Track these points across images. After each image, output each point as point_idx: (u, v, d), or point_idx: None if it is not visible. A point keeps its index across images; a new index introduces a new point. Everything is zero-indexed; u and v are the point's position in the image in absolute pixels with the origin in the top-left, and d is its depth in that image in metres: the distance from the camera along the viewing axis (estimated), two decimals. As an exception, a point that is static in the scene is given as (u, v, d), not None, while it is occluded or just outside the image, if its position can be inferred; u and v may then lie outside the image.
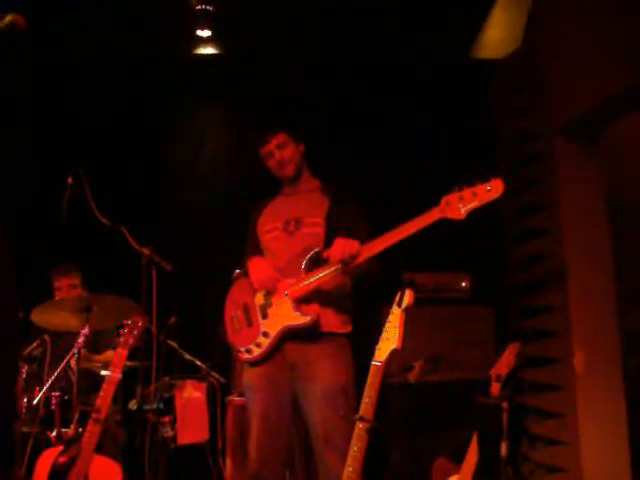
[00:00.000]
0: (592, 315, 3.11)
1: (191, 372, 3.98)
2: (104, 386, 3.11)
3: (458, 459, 3.38)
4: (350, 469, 2.31)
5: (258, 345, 3.13)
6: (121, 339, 3.16)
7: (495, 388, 3.32)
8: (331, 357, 3.11)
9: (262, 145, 3.34)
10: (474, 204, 2.70)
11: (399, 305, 2.42)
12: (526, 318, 3.34)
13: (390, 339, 2.40)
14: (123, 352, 3.14)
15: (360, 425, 2.35)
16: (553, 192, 3.20)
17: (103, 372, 3.36)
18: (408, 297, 2.42)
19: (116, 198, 3.75)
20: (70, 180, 3.55)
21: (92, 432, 3.02)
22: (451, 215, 2.75)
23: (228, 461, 3.81)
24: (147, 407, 3.75)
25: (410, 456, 3.82)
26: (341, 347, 3.15)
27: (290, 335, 3.10)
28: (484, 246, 4.15)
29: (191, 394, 3.89)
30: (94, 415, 3.05)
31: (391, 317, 2.43)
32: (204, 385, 3.93)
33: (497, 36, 3.95)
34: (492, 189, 2.68)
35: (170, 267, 3.34)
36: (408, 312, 2.42)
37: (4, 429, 2.61)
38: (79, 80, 4.32)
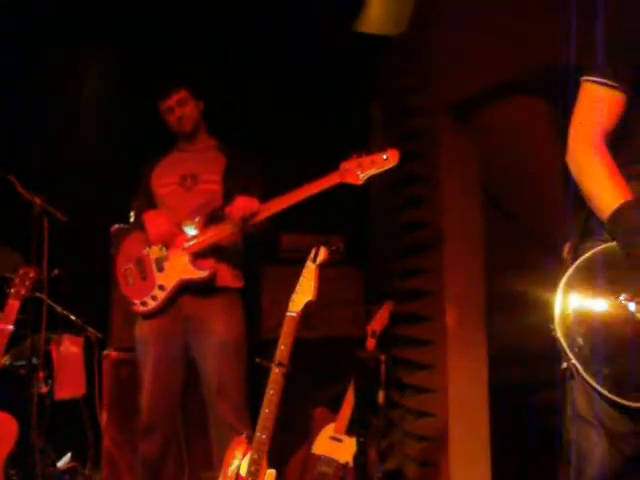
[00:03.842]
0: (463, 277, 3.46)
1: (67, 327, 3.88)
2: (-5, 340, 2.99)
3: (336, 409, 3.63)
4: (267, 410, 2.46)
5: (154, 298, 3.18)
6: (13, 290, 3.05)
7: (371, 343, 3.60)
8: (225, 311, 3.23)
9: (162, 100, 3.33)
10: (372, 171, 2.92)
11: (314, 261, 2.59)
12: (402, 279, 3.63)
13: (305, 292, 2.57)
14: (15, 303, 3.04)
15: (277, 370, 2.51)
16: (434, 165, 3.49)
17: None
18: (323, 254, 2.59)
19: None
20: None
21: (-17, 385, 2.92)
22: (350, 180, 2.95)
23: (104, 416, 3.79)
24: (20, 363, 3.63)
25: (289, 408, 4.00)
26: (234, 301, 3.28)
27: (185, 288, 3.17)
28: (357, 212, 4.41)
29: (68, 349, 3.81)
30: (-15, 369, 2.94)
31: (305, 272, 2.60)
32: (81, 339, 3.86)
33: (380, 15, 4.15)
34: (389, 158, 2.90)
35: (65, 218, 3.24)
36: (322, 267, 2.60)
37: None
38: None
